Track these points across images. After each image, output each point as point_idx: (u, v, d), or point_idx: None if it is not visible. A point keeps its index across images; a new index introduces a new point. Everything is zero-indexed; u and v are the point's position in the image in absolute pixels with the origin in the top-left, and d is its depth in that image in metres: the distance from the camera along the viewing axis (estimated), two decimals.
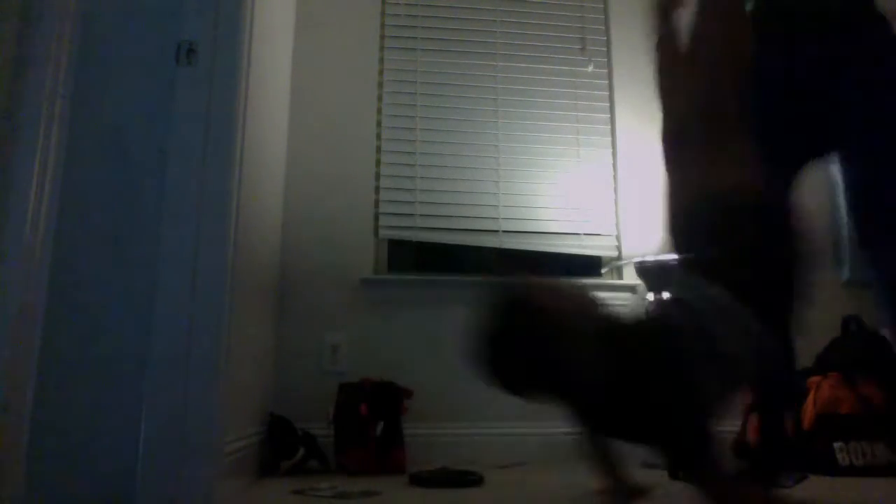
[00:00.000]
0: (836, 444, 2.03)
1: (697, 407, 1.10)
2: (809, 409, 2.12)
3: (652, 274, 2.47)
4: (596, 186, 2.76)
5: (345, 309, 2.49)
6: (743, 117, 1.33)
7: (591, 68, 2.87)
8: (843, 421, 2.05)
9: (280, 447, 2.11)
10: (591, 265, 2.75)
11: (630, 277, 2.63)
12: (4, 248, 1.33)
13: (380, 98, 2.72)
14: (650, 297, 2.47)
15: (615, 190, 2.78)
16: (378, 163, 2.66)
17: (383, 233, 2.62)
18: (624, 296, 2.65)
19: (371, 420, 2.13)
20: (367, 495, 1.68)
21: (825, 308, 2.19)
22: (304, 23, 2.70)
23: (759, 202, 1.25)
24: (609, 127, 2.83)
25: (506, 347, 1.15)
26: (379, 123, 2.70)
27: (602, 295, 2.65)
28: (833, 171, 1.81)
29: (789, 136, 1.47)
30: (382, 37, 2.78)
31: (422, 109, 2.74)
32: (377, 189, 2.64)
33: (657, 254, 2.51)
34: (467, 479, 1.90)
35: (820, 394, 2.12)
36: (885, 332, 1.69)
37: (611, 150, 2.81)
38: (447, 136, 2.73)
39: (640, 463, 1.66)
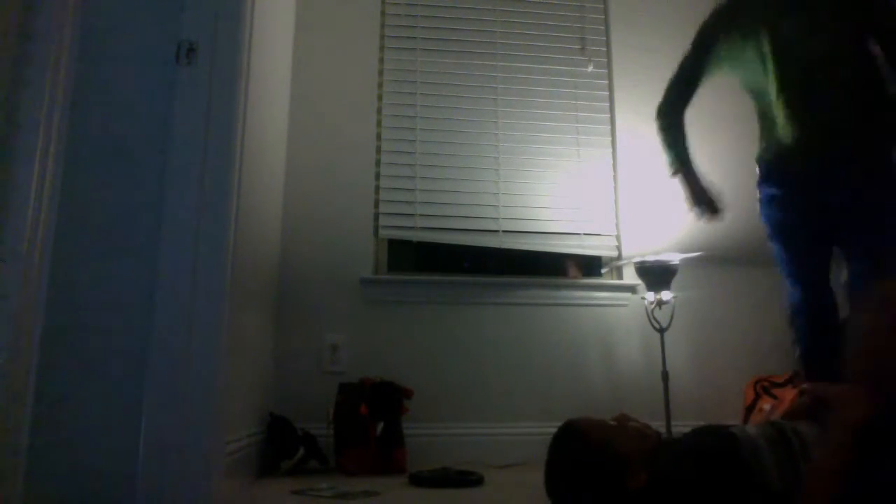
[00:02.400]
0: None
1: None
2: None
3: (652, 273, 2.48)
4: (596, 186, 2.76)
5: (345, 309, 2.49)
6: None
7: (591, 68, 2.87)
8: None
9: (280, 447, 2.11)
10: (591, 265, 2.75)
11: (630, 277, 2.64)
12: (4, 248, 1.34)
13: (380, 98, 2.72)
14: (650, 296, 2.48)
15: (615, 190, 2.78)
16: (378, 163, 2.66)
17: (383, 233, 2.62)
18: (624, 296, 2.66)
19: (371, 420, 2.13)
20: (367, 495, 1.68)
21: None
22: (304, 23, 2.70)
23: None
24: (609, 127, 2.84)
25: (558, 473, 1.28)
26: (379, 123, 2.70)
27: (602, 295, 2.65)
28: None
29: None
30: (382, 37, 2.78)
31: (422, 109, 2.74)
32: (377, 189, 2.64)
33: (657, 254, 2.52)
34: (467, 479, 1.90)
35: None
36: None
37: (611, 150, 2.81)
38: (447, 136, 2.73)
39: None
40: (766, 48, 1.92)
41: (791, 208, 1.93)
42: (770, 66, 1.91)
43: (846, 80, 1.83)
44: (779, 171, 1.96)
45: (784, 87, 1.89)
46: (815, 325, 1.91)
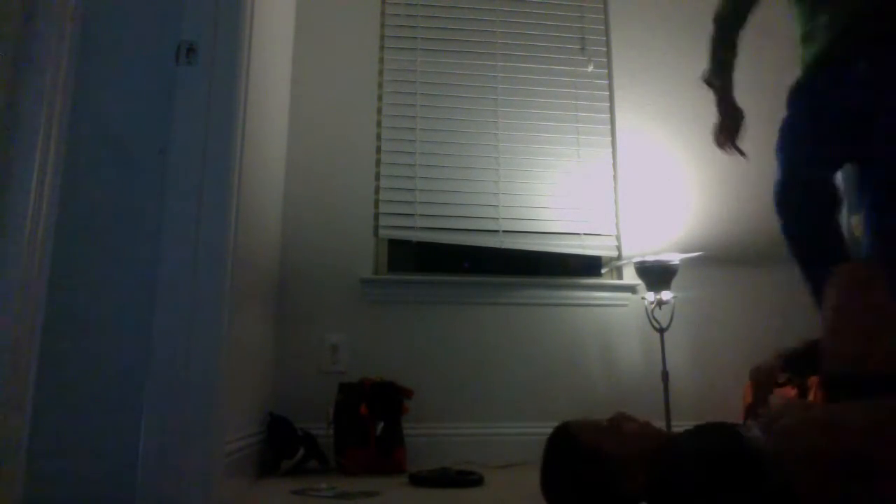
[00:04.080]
0: None
1: None
2: None
3: (652, 273, 2.48)
4: (596, 186, 2.76)
5: (345, 309, 2.49)
6: None
7: (591, 68, 2.87)
8: None
9: (280, 447, 2.11)
10: (591, 265, 2.75)
11: (630, 277, 2.64)
12: (4, 248, 1.34)
13: (380, 98, 2.72)
14: (650, 296, 2.48)
15: (615, 190, 2.78)
16: (378, 163, 2.66)
17: (383, 233, 2.62)
18: (624, 296, 2.66)
19: (371, 420, 2.13)
20: (367, 495, 1.69)
21: None
22: (304, 23, 2.70)
23: None
24: (609, 127, 2.84)
25: (552, 477, 1.27)
26: (379, 123, 2.70)
27: (602, 295, 2.65)
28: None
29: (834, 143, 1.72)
30: (382, 37, 2.78)
31: (422, 109, 2.74)
32: (377, 189, 2.64)
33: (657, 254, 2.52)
34: (467, 479, 1.91)
35: (819, 392, 2.12)
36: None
37: (611, 150, 2.81)
38: (447, 136, 2.73)
39: None
40: None
41: (808, 115, 1.73)
42: None
43: None
44: (801, 84, 1.76)
45: None
46: (804, 198, 1.71)
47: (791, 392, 2.28)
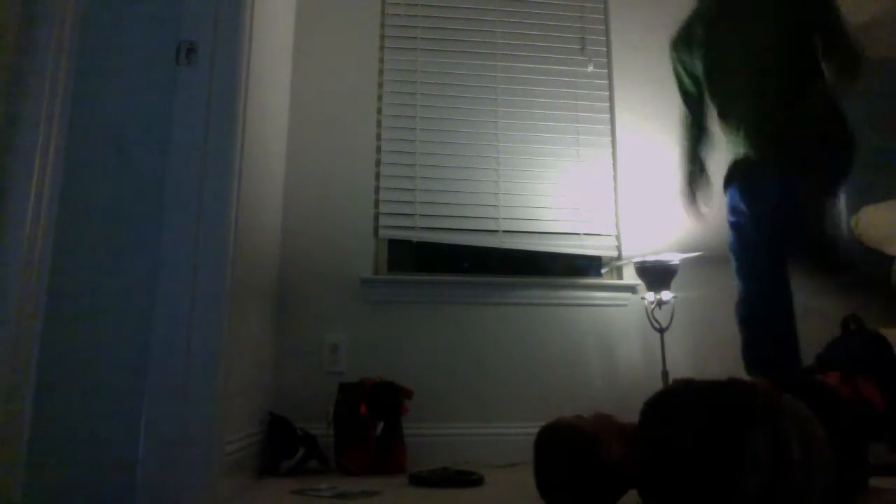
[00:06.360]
0: None
1: None
2: None
3: (652, 273, 2.48)
4: (596, 186, 2.76)
5: (345, 309, 2.49)
6: None
7: (591, 68, 2.86)
8: None
9: (280, 447, 2.11)
10: (591, 265, 2.75)
11: (630, 277, 2.64)
12: (4, 247, 1.34)
13: (380, 98, 2.72)
14: (650, 296, 2.48)
15: (615, 190, 2.78)
16: (378, 163, 2.66)
17: (383, 233, 2.62)
18: (624, 296, 2.65)
19: (371, 420, 2.13)
20: (367, 495, 1.69)
21: (825, 307, 2.20)
22: (304, 22, 2.70)
23: None
24: (609, 127, 2.83)
25: (538, 467, 1.37)
26: (379, 123, 2.70)
27: (602, 295, 2.65)
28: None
29: None
30: (382, 37, 2.78)
31: (422, 109, 2.74)
32: (377, 189, 2.64)
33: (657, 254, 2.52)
34: (467, 479, 1.90)
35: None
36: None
37: (611, 150, 2.81)
38: (447, 136, 2.73)
39: None
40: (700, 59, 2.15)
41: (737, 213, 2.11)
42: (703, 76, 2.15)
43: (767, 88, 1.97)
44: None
45: (713, 96, 2.13)
46: (758, 312, 2.01)
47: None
